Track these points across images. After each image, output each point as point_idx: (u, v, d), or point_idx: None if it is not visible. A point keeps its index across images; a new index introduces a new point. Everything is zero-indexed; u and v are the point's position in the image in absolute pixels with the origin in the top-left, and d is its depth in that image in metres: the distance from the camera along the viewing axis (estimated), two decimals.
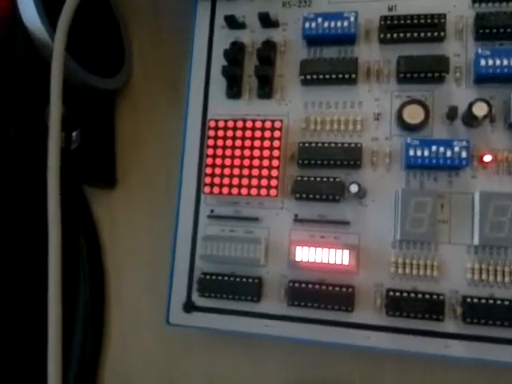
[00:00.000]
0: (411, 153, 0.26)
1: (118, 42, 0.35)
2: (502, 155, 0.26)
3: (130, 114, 0.36)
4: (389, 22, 0.27)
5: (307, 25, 0.28)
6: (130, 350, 0.33)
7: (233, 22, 0.30)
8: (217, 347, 0.31)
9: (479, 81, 0.26)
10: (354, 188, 0.26)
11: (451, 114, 0.26)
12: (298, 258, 0.26)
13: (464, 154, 0.25)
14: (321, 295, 0.26)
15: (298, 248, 0.26)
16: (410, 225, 0.25)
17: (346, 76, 0.27)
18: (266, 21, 0.29)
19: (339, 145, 0.27)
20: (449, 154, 0.25)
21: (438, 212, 0.26)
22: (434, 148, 0.25)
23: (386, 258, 0.26)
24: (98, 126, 0.34)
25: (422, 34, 0.27)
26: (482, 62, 0.26)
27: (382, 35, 0.28)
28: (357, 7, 0.28)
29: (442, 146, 0.25)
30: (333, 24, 0.28)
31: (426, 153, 0.25)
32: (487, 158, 0.26)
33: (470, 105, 0.25)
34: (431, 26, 0.27)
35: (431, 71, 0.26)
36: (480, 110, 0.25)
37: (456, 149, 0.25)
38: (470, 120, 0.26)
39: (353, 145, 0.27)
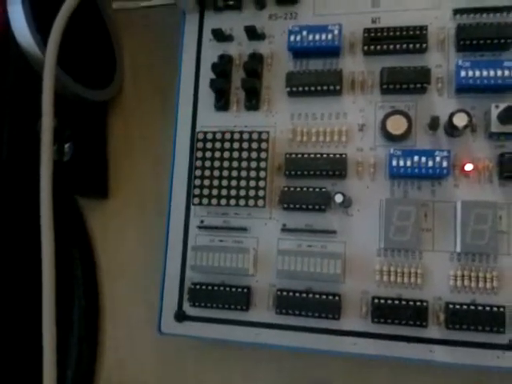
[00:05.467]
0: (394, 163, 0.26)
1: (108, 54, 0.36)
2: (482, 164, 0.26)
3: (122, 125, 0.36)
4: (372, 34, 0.28)
5: (292, 38, 0.28)
6: (124, 360, 0.33)
7: (220, 35, 0.30)
8: (208, 355, 0.32)
9: (460, 91, 0.27)
10: (338, 198, 0.26)
11: (433, 124, 0.26)
12: (285, 267, 0.27)
13: (445, 164, 0.25)
14: (308, 303, 0.26)
15: (286, 257, 0.27)
16: (394, 233, 0.26)
17: (331, 87, 0.28)
18: (253, 33, 0.30)
19: (325, 155, 0.27)
20: (430, 163, 0.26)
21: (421, 220, 0.26)
22: (416, 158, 0.26)
23: (371, 266, 0.27)
24: (90, 138, 0.35)
25: (405, 46, 0.27)
26: (462, 73, 0.26)
27: (365, 47, 0.28)
28: (341, 20, 0.29)
29: (424, 155, 0.26)
30: (317, 37, 0.28)
31: (409, 163, 0.26)
32: (468, 167, 0.26)
33: (451, 115, 0.25)
34: (413, 38, 0.27)
35: (414, 82, 0.27)
36: (460, 120, 0.25)
37: (437, 158, 0.26)
38: (452, 130, 0.26)
39: (338, 155, 0.27)
